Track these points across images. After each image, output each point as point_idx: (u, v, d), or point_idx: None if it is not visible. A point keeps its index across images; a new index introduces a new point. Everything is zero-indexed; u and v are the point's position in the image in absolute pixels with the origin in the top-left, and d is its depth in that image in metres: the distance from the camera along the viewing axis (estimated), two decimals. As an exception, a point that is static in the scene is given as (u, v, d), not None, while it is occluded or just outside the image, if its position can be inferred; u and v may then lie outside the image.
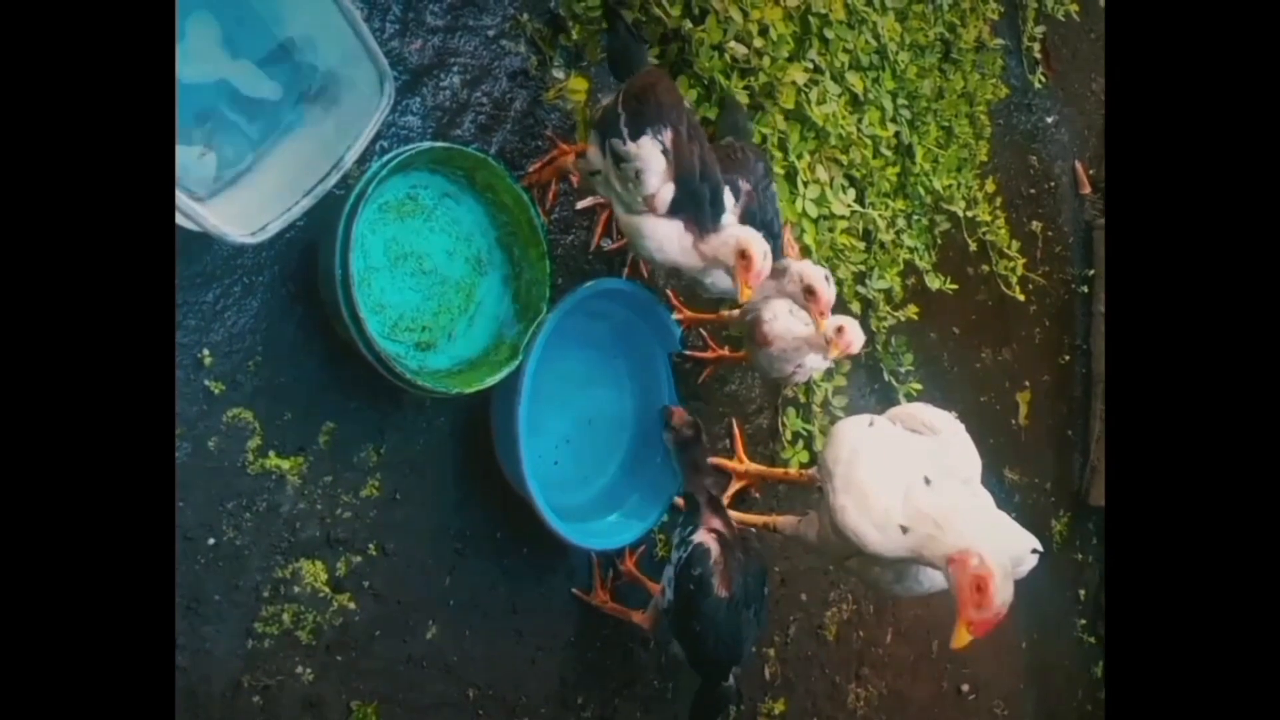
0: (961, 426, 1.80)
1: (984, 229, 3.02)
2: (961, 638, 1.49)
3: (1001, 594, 1.48)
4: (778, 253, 1.89)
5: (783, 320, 1.95)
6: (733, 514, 2.04)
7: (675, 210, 1.67)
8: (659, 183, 1.65)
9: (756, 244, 1.65)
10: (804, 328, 1.92)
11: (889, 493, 1.64)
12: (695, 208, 1.67)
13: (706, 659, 1.84)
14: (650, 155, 1.63)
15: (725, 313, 2.11)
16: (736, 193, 1.79)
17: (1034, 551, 1.92)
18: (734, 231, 1.68)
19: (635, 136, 1.64)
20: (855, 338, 1.86)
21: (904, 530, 1.60)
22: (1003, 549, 1.84)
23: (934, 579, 1.72)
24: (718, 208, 1.70)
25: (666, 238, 1.68)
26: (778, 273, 1.81)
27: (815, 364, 1.99)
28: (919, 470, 1.68)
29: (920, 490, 1.64)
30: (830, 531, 1.76)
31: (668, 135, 1.64)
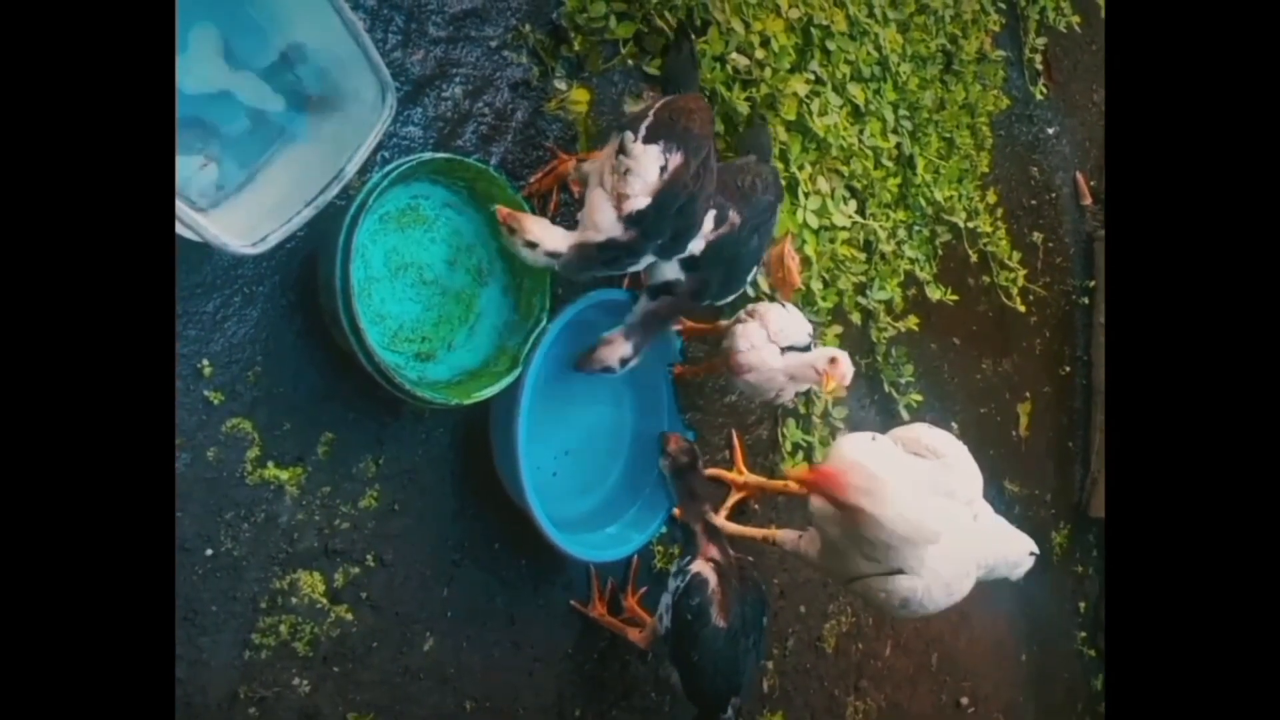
0: (963, 447, 1.80)
1: (985, 240, 3.02)
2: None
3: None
4: (740, 285, 1.92)
5: (759, 350, 1.92)
6: (731, 526, 2.05)
7: (633, 222, 1.64)
8: (639, 190, 1.64)
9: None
10: (779, 359, 1.91)
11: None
12: (653, 234, 1.66)
13: (704, 689, 1.83)
14: (648, 164, 1.63)
15: (724, 323, 2.10)
16: (723, 219, 1.78)
17: (1031, 554, 1.92)
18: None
19: (647, 141, 1.64)
20: (848, 369, 1.86)
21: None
22: (1001, 553, 1.85)
23: (936, 601, 1.71)
24: (676, 247, 1.71)
25: (602, 219, 1.65)
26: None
27: (799, 387, 1.97)
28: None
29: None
30: (823, 546, 1.77)
31: (676, 158, 1.64)
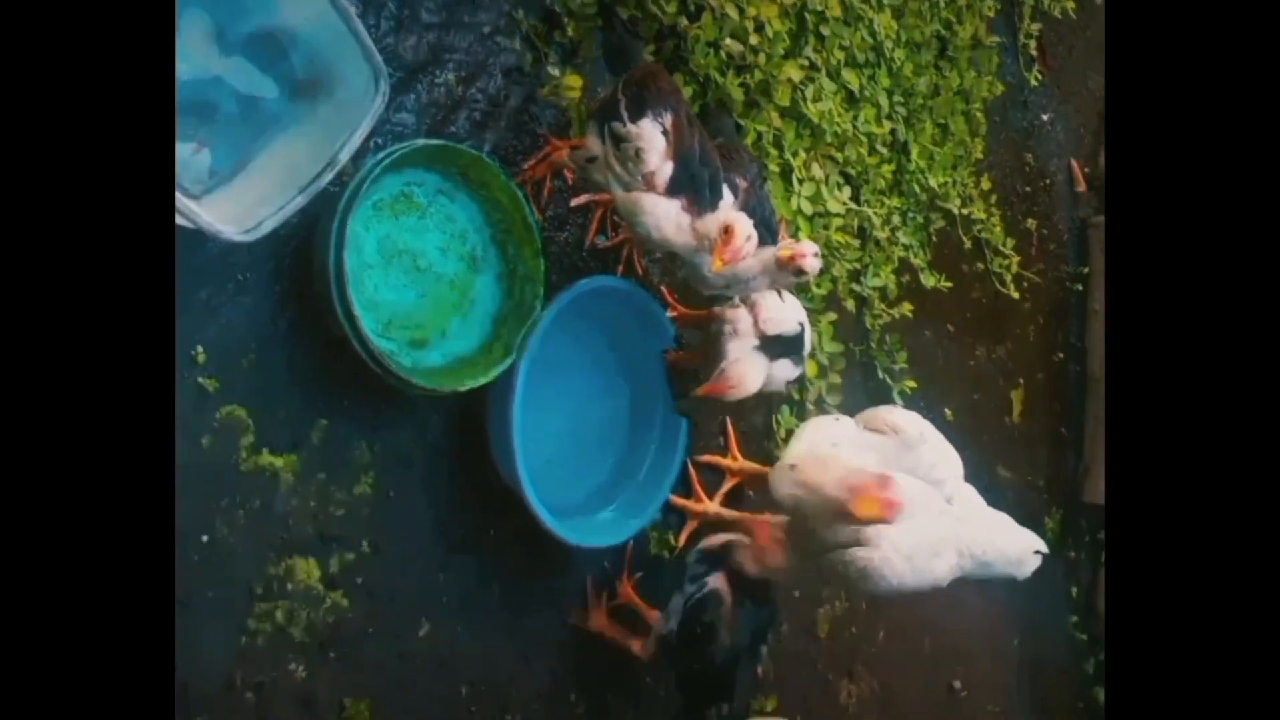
0: (930, 427, 1.81)
1: (979, 226, 3.02)
2: (868, 507, 1.56)
3: (902, 489, 1.55)
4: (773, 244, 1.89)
5: (744, 363, 1.89)
6: (726, 512, 2.06)
7: (674, 190, 1.68)
8: (659, 160, 1.67)
9: (743, 223, 1.66)
10: (760, 378, 1.89)
11: (795, 451, 1.73)
12: (694, 189, 1.69)
13: (694, 693, 1.86)
14: (650, 135, 1.66)
15: (718, 310, 2.10)
16: (735, 189, 1.79)
17: (1037, 552, 1.93)
18: (726, 212, 1.70)
19: (635, 119, 1.66)
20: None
21: (792, 467, 1.69)
22: (994, 543, 1.86)
23: (899, 573, 1.72)
24: (716, 192, 1.71)
25: (665, 215, 1.69)
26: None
27: (785, 373, 1.93)
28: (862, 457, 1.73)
29: (825, 448, 1.70)
30: (798, 531, 1.78)
31: (668, 118, 1.67)
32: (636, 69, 1.75)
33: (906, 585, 1.75)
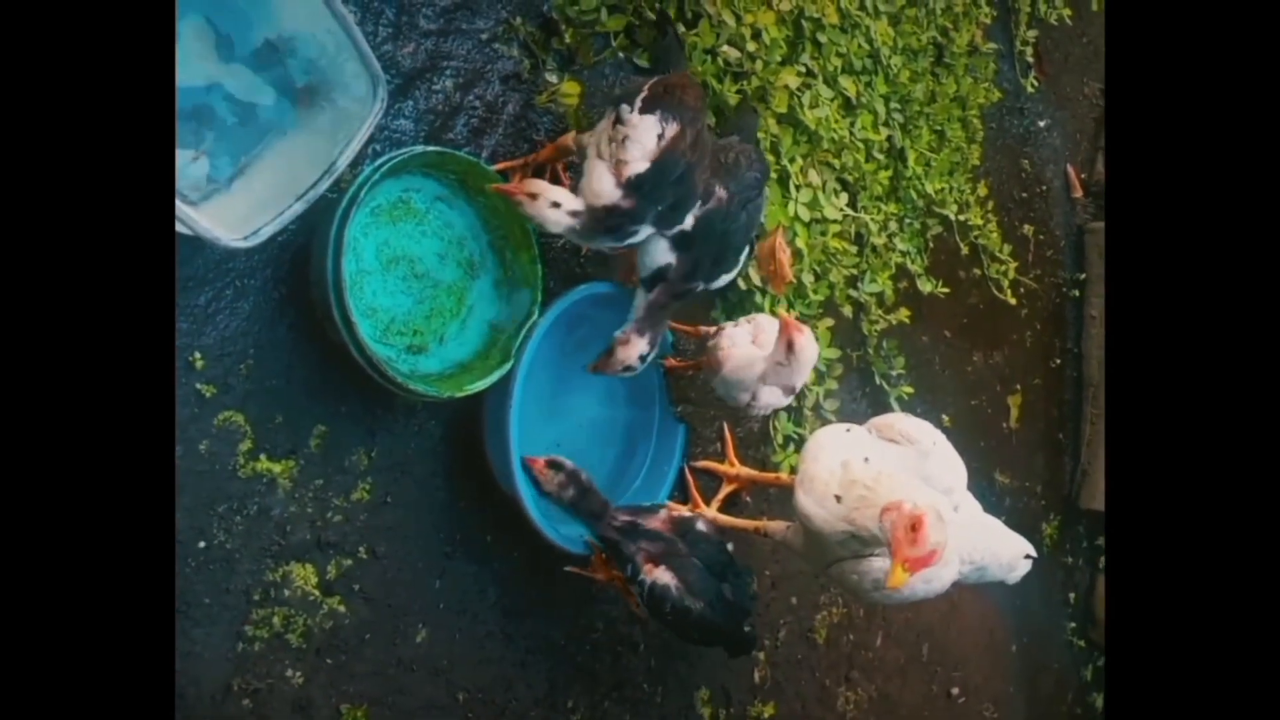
0: (941, 436, 1.81)
1: (976, 232, 3.03)
2: (898, 576, 1.50)
3: (935, 533, 1.49)
4: (733, 265, 1.90)
5: (740, 349, 1.91)
6: (723, 518, 2.06)
7: (631, 189, 1.66)
8: (638, 157, 1.66)
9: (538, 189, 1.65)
10: (761, 362, 1.89)
11: (833, 474, 1.69)
12: (653, 200, 1.67)
13: (716, 640, 1.90)
14: (645, 132, 1.65)
15: (710, 328, 2.09)
16: (709, 195, 1.78)
17: (1027, 557, 1.93)
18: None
19: (644, 112, 1.67)
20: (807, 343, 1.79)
21: (838, 499, 1.64)
22: (990, 548, 1.86)
23: (912, 586, 1.72)
24: (674, 217, 1.72)
25: (597, 190, 1.66)
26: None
27: (771, 400, 1.93)
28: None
29: (858, 465, 1.66)
30: (805, 535, 1.77)
31: (672, 128, 1.67)
32: (675, 75, 1.78)
33: (918, 594, 1.75)
